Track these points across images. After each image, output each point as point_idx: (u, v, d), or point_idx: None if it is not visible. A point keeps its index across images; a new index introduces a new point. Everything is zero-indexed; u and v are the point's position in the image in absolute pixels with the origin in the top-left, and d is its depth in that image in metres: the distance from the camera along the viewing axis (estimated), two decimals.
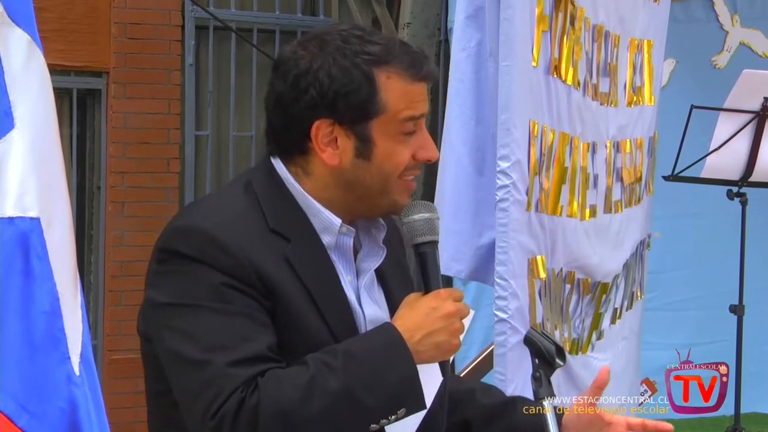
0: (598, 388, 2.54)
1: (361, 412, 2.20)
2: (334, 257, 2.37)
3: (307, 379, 2.18)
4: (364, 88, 2.30)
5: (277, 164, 2.39)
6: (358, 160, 2.33)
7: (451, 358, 2.39)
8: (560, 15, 3.97)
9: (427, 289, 2.33)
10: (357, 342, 2.27)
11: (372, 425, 2.23)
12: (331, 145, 2.33)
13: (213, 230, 2.26)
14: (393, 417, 2.23)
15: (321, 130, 2.32)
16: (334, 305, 2.32)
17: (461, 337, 2.33)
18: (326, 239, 2.36)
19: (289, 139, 2.36)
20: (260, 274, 2.24)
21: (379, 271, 2.44)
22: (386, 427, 2.29)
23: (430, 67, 2.38)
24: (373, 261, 2.42)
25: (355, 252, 2.42)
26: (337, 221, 2.35)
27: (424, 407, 2.28)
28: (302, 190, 2.36)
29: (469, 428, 2.62)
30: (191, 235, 2.27)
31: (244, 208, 2.33)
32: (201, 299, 2.23)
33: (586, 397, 2.56)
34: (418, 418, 2.35)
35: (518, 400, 2.67)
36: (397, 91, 2.32)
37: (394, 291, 2.41)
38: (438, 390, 2.39)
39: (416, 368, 2.24)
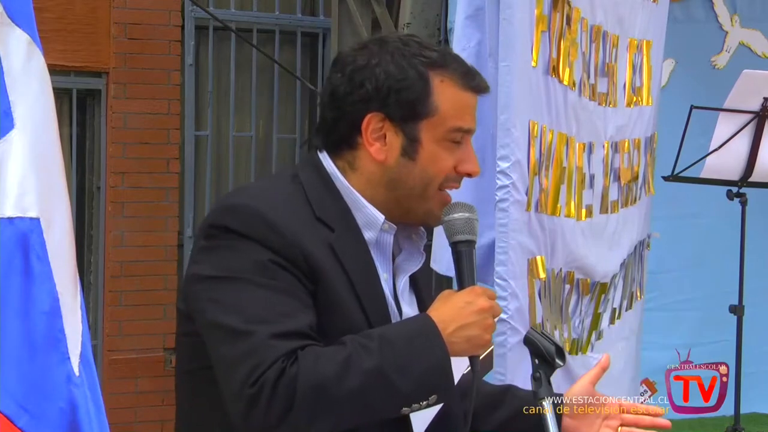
0: (602, 369, 2.60)
1: (393, 394, 2.24)
2: (373, 254, 2.41)
3: (344, 356, 2.22)
4: (418, 87, 2.37)
5: (324, 159, 2.44)
6: (403, 159, 2.39)
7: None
8: (557, 15, 3.98)
9: (461, 285, 2.38)
10: (393, 328, 2.32)
11: (404, 409, 2.27)
12: (379, 140, 2.39)
13: (263, 209, 2.30)
14: (425, 403, 2.27)
15: (372, 123, 2.38)
16: (373, 297, 2.37)
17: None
18: (368, 235, 2.41)
19: (339, 132, 2.42)
20: (306, 256, 2.28)
21: (413, 279, 2.50)
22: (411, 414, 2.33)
23: (482, 80, 2.46)
24: (412, 265, 2.48)
25: (394, 256, 2.47)
26: (381, 217, 2.40)
27: (455, 396, 2.34)
28: (348, 184, 2.41)
29: (475, 419, 2.62)
30: (242, 213, 2.31)
31: (291, 195, 2.38)
32: (246, 273, 2.27)
33: (587, 378, 2.62)
34: (433, 409, 2.38)
35: (512, 388, 2.74)
36: (449, 96, 2.39)
37: (426, 300, 2.46)
38: (461, 384, 2.41)
39: (449, 357, 2.28)
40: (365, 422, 2.27)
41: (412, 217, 2.44)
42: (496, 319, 2.37)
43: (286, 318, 2.24)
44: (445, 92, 2.39)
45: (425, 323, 2.30)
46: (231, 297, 2.27)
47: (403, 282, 2.46)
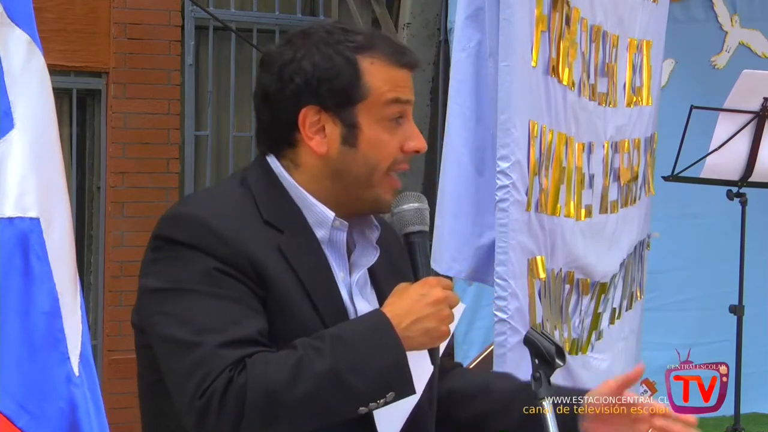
0: (633, 379, 2.47)
1: (348, 394, 2.21)
2: (327, 252, 2.38)
3: (294, 361, 2.19)
4: (347, 73, 2.34)
5: (272, 160, 2.41)
6: (344, 147, 2.35)
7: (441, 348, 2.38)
8: (557, 15, 3.98)
9: (416, 277, 2.34)
10: (345, 327, 2.28)
11: (361, 408, 2.23)
12: (319, 133, 2.36)
13: (207, 218, 2.28)
14: (382, 401, 2.24)
15: (308, 117, 2.35)
16: (326, 296, 2.34)
17: (451, 326, 2.33)
18: (320, 233, 2.38)
19: (277, 132, 2.39)
20: (253, 263, 2.26)
21: (372, 273, 2.46)
22: (375, 415, 2.30)
23: (412, 55, 2.42)
24: (367, 260, 2.43)
25: (349, 252, 2.43)
26: (331, 214, 2.37)
27: (414, 392, 2.28)
28: (296, 183, 2.38)
29: (486, 420, 2.58)
30: (186, 223, 2.29)
31: (238, 200, 2.36)
32: (193, 284, 2.24)
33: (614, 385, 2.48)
34: (406, 409, 2.36)
35: (493, 380, 2.70)
36: (380, 75, 2.36)
37: (386, 293, 2.40)
38: (428, 381, 2.39)
39: (405, 353, 2.24)
40: (324, 424, 2.23)
41: (362, 205, 2.40)
42: (454, 310, 2.32)
43: (234, 326, 2.21)
44: (375, 73, 2.35)
45: (379, 319, 2.27)
46: (179, 309, 2.25)
47: (360, 277, 2.42)
